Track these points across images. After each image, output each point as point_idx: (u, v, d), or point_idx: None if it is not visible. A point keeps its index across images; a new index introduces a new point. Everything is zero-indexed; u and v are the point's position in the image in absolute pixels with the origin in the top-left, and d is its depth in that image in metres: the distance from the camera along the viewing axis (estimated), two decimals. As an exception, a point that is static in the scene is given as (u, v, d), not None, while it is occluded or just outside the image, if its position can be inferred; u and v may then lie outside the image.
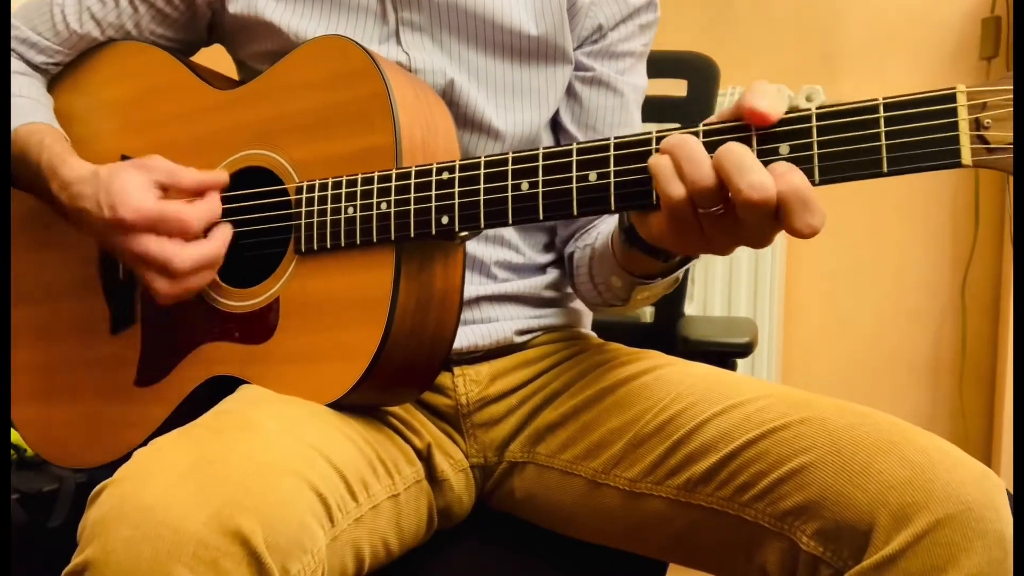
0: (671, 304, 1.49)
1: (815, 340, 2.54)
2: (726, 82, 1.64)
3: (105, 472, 0.78)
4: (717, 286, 2.48)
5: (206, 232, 0.95)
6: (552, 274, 1.15)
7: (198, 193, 0.96)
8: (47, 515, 1.42)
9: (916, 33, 2.41)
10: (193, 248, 0.93)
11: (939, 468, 0.81)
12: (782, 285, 2.49)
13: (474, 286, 1.08)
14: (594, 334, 1.19)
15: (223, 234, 0.95)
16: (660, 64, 1.24)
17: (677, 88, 1.48)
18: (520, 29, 1.06)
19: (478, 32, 1.06)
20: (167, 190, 0.96)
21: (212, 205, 0.95)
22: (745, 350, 1.36)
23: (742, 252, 2.44)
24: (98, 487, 0.76)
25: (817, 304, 2.54)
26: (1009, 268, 2.31)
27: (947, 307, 2.45)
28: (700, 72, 1.50)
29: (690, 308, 2.39)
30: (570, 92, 1.14)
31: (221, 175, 0.97)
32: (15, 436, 1.41)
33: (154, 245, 0.92)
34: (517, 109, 1.09)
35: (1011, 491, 0.84)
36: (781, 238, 2.44)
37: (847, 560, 0.82)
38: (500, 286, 1.09)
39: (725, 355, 1.36)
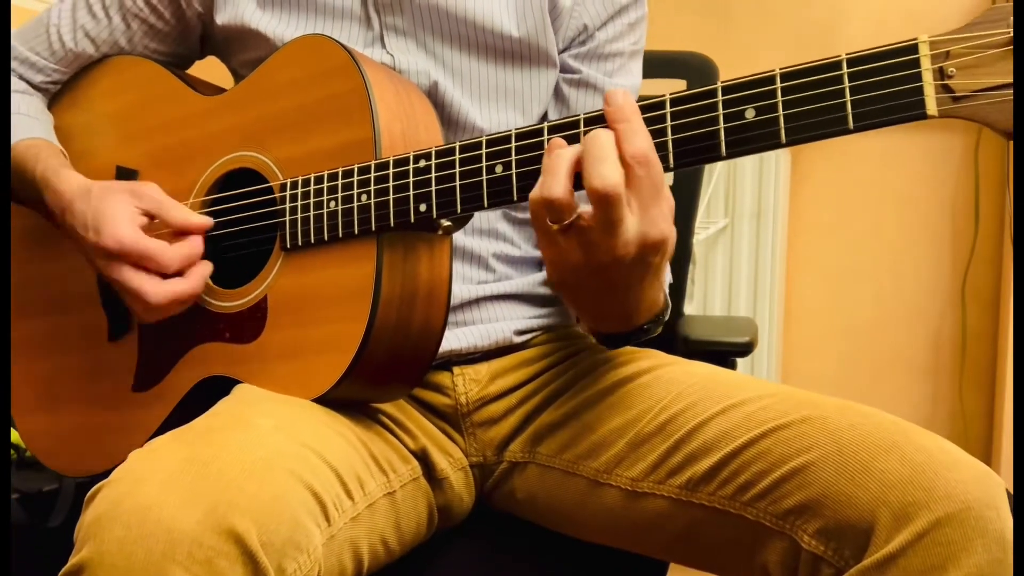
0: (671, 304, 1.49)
1: (815, 340, 2.54)
2: (725, 82, 1.64)
3: (105, 473, 0.78)
4: (717, 286, 2.48)
5: (186, 269, 0.96)
6: (548, 271, 1.15)
7: (181, 232, 0.97)
8: (47, 515, 1.42)
9: (916, 33, 2.40)
10: (167, 285, 0.95)
11: (940, 467, 0.81)
12: (782, 285, 2.49)
13: (474, 285, 1.08)
14: (592, 333, 1.19)
15: (200, 273, 0.97)
16: (658, 64, 1.24)
17: (675, 88, 1.47)
18: (502, 30, 1.06)
19: (460, 34, 1.06)
20: (153, 219, 0.97)
21: (192, 247, 0.96)
22: (745, 350, 1.37)
23: (742, 252, 2.44)
24: (93, 489, 0.76)
25: (817, 304, 2.54)
26: (1009, 268, 2.31)
27: (947, 307, 2.45)
28: (699, 72, 1.50)
29: (690, 308, 2.39)
30: (558, 94, 1.14)
31: (206, 220, 0.99)
32: (15, 436, 1.41)
33: (130, 276, 0.95)
34: (500, 110, 1.09)
35: (1011, 491, 0.84)
36: (781, 237, 2.44)
37: (848, 559, 0.82)
38: (499, 285, 1.09)
39: (725, 355, 1.36)
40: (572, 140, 0.82)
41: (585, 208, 0.79)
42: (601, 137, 0.79)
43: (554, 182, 0.79)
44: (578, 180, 0.80)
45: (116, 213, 0.96)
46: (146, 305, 0.95)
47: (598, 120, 0.82)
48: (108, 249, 0.95)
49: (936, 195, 2.44)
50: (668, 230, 0.81)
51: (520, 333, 1.10)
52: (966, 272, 2.42)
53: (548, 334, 1.12)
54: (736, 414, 0.92)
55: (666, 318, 0.96)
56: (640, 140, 0.79)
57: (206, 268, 0.98)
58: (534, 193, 0.81)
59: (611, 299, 0.88)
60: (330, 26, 1.06)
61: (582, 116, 0.83)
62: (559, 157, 0.80)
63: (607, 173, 0.77)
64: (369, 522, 0.89)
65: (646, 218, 0.79)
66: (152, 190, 0.99)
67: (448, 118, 1.06)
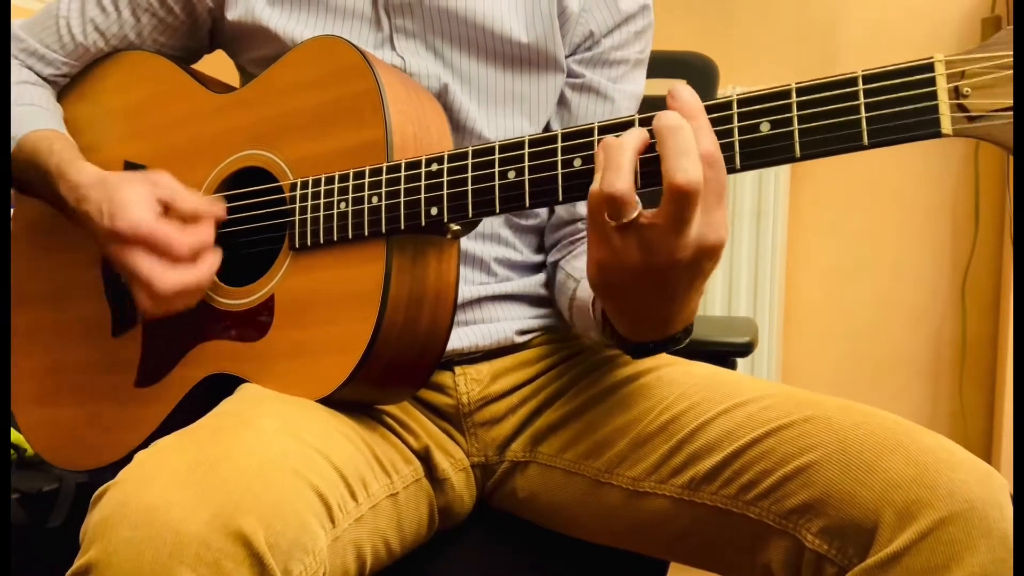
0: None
1: (815, 340, 2.54)
2: (725, 82, 1.64)
3: (107, 472, 0.78)
4: (717, 286, 2.48)
5: (196, 258, 0.95)
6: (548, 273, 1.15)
7: (194, 219, 0.96)
8: (47, 515, 1.42)
9: (916, 33, 2.41)
10: (177, 273, 0.93)
11: (944, 467, 0.81)
12: (782, 285, 2.49)
13: (476, 285, 1.08)
14: (593, 333, 1.19)
15: (210, 262, 0.95)
16: (659, 64, 1.24)
17: (677, 88, 1.48)
18: (511, 36, 1.06)
19: (470, 38, 1.06)
20: (167, 209, 0.96)
21: (204, 233, 0.95)
22: (745, 350, 1.37)
23: (742, 251, 2.45)
24: (100, 489, 0.76)
25: (817, 304, 2.54)
26: (1009, 268, 2.31)
27: (947, 307, 2.45)
28: (700, 72, 1.51)
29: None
30: (560, 99, 1.13)
31: (219, 206, 0.98)
32: (15, 436, 1.41)
33: (142, 262, 0.93)
34: (507, 116, 1.09)
35: (1011, 491, 0.84)
36: (781, 237, 2.44)
37: (852, 558, 0.82)
38: (501, 285, 1.09)
39: (725, 355, 1.36)
40: (576, 149, 0.81)
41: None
42: (684, 129, 0.74)
43: (617, 177, 0.75)
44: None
45: (133, 198, 0.95)
46: (153, 293, 0.93)
47: (612, 128, 0.80)
48: (122, 233, 0.94)
49: (936, 195, 2.44)
50: (726, 236, 0.77)
51: (521, 333, 1.10)
52: (966, 272, 2.42)
53: (549, 334, 1.12)
54: (739, 414, 0.92)
55: (692, 330, 0.92)
56: (709, 139, 0.75)
57: (216, 258, 0.96)
58: (593, 188, 0.77)
59: (657, 303, 0.83)
60: (340, 26, 1.06)
61: (637, 117, 0.80)
62: (621, 150, 0.76)
63: (691, 168, 0.73)
64: (372, 523, 0.89)
65: (707, 221, 0.75)
66: (167, 179, 0.98)
67: (455, 123, 1.06)
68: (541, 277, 1.14)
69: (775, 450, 0.88)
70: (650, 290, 0.81)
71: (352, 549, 0.85)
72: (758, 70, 2.41)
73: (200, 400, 0.96)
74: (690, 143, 0.74)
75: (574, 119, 1.13)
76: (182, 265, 0.94)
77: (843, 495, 0.83)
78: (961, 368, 2.44)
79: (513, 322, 1.09)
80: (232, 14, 1.07)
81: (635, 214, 0.76)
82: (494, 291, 1.09)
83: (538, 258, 1.15)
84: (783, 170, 2.44)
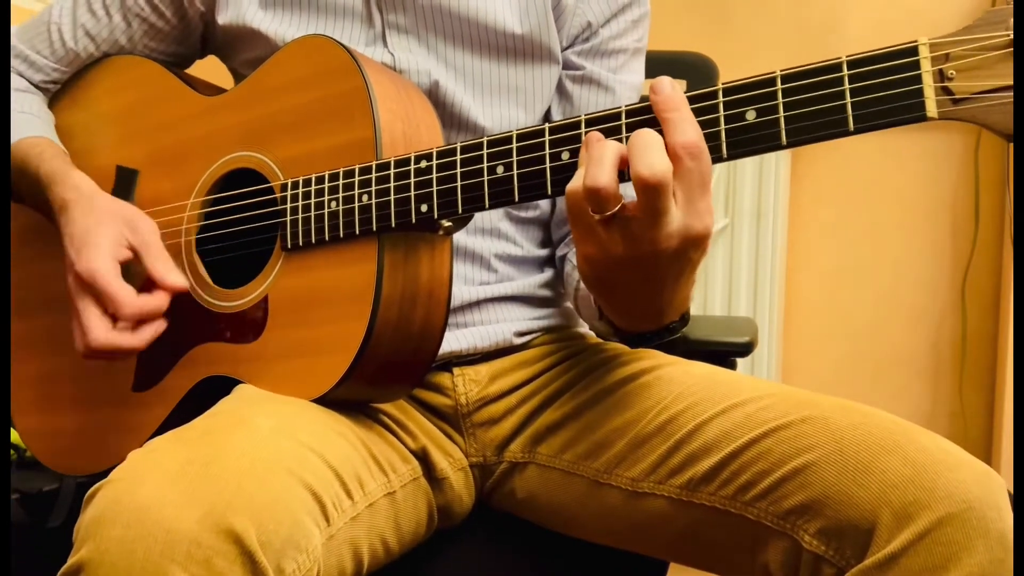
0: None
1: (815, 340, 2.54)
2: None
3: (104, 473, 0.78)
4: (717, 286, 2.47)
5: (138, 325, 0.96)
6: (549, 272, 1.15)
7: (152, 284, 0.96)
8: (47, 515, 1.42)
9: (916, 32, 2.40)
10: (112, 334, 0.94)
11: (941, 467, 0.81)
12: (782, 285, 2.49)
13: (476, 286, 1.08)
14: (592, 332, 1.19)
15: (148, 333, 0.96)
16: (659, 64, 1.24)
17: (676, 88, 1.48)
18: (504, 28, 1.07)
19: (463, 31, 1.06)
20: (135, 254, 0.97)
21: (156, 304, 0.95)
22: (745, 350, 1.37)
23: (742, 251, 2.44)
24: (93, 488, 0.76)
25: (817, 303, 2.53)
26: (1009, 268, 2.31)
27: (947, 306, 2.45)
28: (699, 72, 1.51)
29: (690, 308, 2.39)
30: (561, 91, 1.14)
31: (180, 282, 0.97)
32: (15, 435, 1.41)
33: (86, 308, 0.95)
34: (503, 106, 1.09)
35: (1011, 491, 0.84)
36: (781, 237, 2.44)
37: (849, 559, 0.82)
38: (501, 286, 1.09)
39: (725, 355, 1.36)
40: (611, 133, 0.80)
41: (629, 199, 0.78)
42: (646, 130, 0.77)
43: (599, 171, 0.76)
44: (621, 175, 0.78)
45: (101, 241, 0.96)
46: (85, 342, 0.95)
47: (642, 111, 0.80)
48: (79, 274, 0.95)
49: (936, 195, 2.44)
50: (712, 224, 0.79)
51: (520, 334, 1.10)
52: (966, 272, 2.42)
53: (548, 335, 1.12)
54: (737, 414, 0.92)
55: (689, 318, 0.94)
56: (691, 130, 0.77)
57: (155, 330, 0.96)
58: (574, 184, 0.78)
59: (647, 295, 0.85)
60: (332, 25, 1.06)
61: (624, 108, 0.81)
62: (604, 147, 0.78)
63: (655, 162, 0.75)
64: (369, 522, 0.89)
65: (691, 211, 0.77)
66: (148, 229, 0.98)
67: (450, 117, 1.06)
68: (542, 276, 1.14)
69: (772, 451, 0.87)
70: (639, 281, 0.83)
71: (349, 547, 0.85)
72: (757, 70, 2.40)
73: (198, 403, 0.96)
74: (653, 138, 0.76)
75: (576, 111, 1.13)
76: (120, 326, 0.95)
77: (840, 496, 0.83)
78: (961, 368, 2.44)
79: (512, 324, 1.09)
80: (223, 18, 1.07)
81: (618, 207, 0.77)
82: (494, 292, 1.09)
83: (540, 253, 1.15)
84: (783, 169, 2.43)
